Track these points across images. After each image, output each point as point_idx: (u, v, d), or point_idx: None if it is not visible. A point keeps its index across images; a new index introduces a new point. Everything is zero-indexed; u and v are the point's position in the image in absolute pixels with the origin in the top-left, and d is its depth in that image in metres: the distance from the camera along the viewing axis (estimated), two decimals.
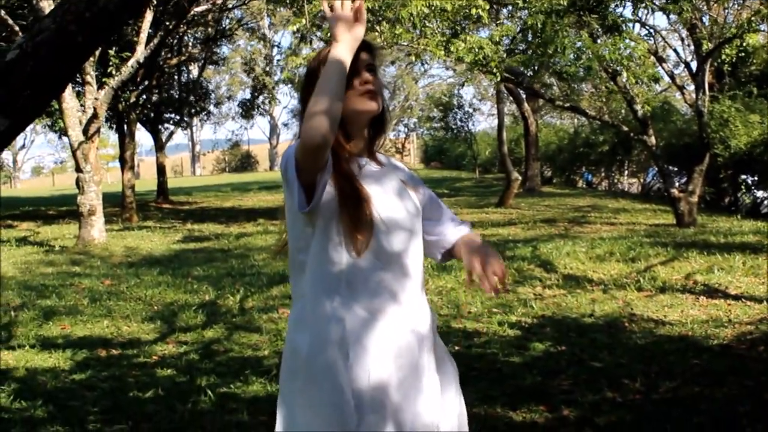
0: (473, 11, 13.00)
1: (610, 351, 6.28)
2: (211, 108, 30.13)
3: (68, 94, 14.51)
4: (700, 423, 4.56)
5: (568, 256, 10.94)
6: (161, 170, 28.01)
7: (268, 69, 31.31)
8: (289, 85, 26.30)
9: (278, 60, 30.75)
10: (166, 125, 29.26)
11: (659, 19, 79.40)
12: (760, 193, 19.42)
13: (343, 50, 2.34)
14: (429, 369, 2.46)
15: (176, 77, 26.98)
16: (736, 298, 8.15)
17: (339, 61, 2.33)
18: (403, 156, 44.84)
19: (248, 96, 31.35)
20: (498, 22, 14.98)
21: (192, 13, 20.18)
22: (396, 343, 2.38)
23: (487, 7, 13.31)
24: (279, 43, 66.63)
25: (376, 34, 13.33)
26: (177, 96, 27.28)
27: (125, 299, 9.27)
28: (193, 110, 28.55)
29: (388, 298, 2.40)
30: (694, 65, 16.31)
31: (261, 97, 29.31)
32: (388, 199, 2.46)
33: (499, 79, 13.89)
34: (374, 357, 2.34)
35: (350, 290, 2.39)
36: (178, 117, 28.62)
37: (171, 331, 7.65)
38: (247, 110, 30.41)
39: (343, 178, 2.41)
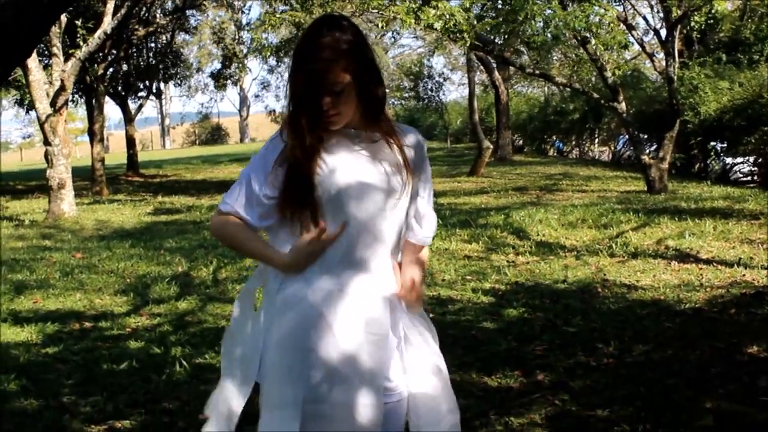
0: None
1: (583, 316, 6.31)
2: (185, 73, 29.78)
3: (35, 67, 14.34)
4: (674, 385, 4.59)
5: (540, 223, 10.98)
6: (131, 143, 27.78)
7: (237, 37, 30.88)
8: (259, 57, 25.99)
9: (247, 28, 30.19)
10: (135, 96, 28.97)
11: None
12: (729, 160, 19.54)
13: (286, 267, 2.37)
14: (402, 332, 2.45)
15: (145, 46, 26.70)
16: (708, 262, 8.21)
17: (280, 265, 2.39)
18: None
19: (218, 67, 31.00)
20: None
21: None
22: (365, 313, 2.35)
23: None
24: (248, 11, 65.93)
25: (346, 1, 13.24)
26: (146, 64, 27.00)
27: (97, 272, 9.20)
28: (165, 76, 28.29)
29: (353, 269, 2.36)
30: (663, 33, 16.36)
31: (233, 66, 29.00)
32: (354, 169, 2.36)
33: (468, 44, 13.80)
34: (341, 330, 2.31)
35: (316, 264, 2.35)
36: (148, 85, 28.39)
37: (144, 304, 7.60)
38: (219, 80, 30.06)
39: (294, 163, 2.33)
